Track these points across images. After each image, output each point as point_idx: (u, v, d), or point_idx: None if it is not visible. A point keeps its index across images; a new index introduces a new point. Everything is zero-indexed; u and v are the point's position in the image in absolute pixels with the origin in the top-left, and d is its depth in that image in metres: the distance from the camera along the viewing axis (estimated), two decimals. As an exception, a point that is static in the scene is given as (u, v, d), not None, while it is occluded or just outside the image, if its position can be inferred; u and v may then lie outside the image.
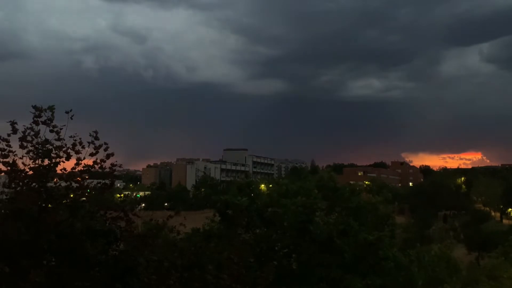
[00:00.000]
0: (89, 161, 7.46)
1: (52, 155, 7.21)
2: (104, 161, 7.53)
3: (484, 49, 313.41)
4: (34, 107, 7.12)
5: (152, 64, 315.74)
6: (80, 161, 7.39)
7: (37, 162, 7.14)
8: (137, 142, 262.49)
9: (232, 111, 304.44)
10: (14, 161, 7.13)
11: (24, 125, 7.13)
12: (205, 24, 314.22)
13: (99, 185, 7.67)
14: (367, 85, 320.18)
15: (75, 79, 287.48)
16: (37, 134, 7.12)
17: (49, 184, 7.17)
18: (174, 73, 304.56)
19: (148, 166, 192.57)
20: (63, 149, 7.27)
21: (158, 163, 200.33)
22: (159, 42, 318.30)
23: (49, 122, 7.15)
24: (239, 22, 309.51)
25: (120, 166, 7.86)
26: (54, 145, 7.23)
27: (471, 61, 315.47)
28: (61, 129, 7.25)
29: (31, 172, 7.12)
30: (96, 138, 7.44)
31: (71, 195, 7.29)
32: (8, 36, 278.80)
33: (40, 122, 7.14)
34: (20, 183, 7.01)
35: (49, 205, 7.08)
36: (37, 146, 7.14)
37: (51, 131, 7.19)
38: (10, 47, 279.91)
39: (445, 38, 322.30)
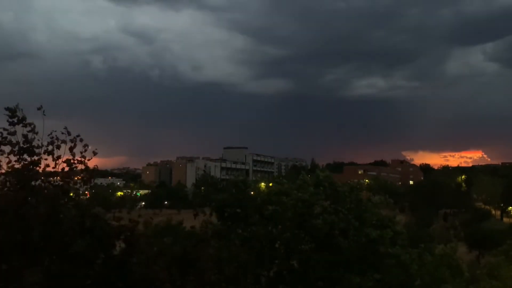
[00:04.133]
0: (69, 158, 7.45)
1: (34, 152, 7.22)
2: (85, 158, 7.51)
3: (487, 48, 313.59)
4: (7, 109, 7.13)
5: (158, 63, 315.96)
6: (59, 159, 7.36)
7: (19, 161, 7.14)
8: (138, 140, 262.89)
9: (233, 110, 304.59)
10: None
11: (2, 127, 7.13)
12: (210, 24, 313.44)
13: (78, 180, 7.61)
14: (370, 84, 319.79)
15: (82, 78, 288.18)
16: (13, 133, 7.12)
17: (33, 183, 7.16)
18: (180, 73, 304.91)
19: (148, 164, 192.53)
20: (42, 147, 7.27)
21: (158, 162, 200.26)
22: (166, 42, 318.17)
23: (22, 121, 7.15)
24: (244, 22, 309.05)
25: (96, 167, 7.79)
26: (33, 144, 7.23)
27: (474, 60, 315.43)
28: (32, 125, 7.22)
29: (12, 171, 7.11)
30: (69, 134, 7.41)
31: (56, 192, 7.27)
32: (17, 36, 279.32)
33: (15, 123, 7.13)
34: (3, 183, 7.01)
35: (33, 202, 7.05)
36: (17, 145, 7.14)
37: (29, 131, 7.19)
38: (19, 46, 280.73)
39: (449, 37, 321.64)
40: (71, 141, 7.41)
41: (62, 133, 7.35)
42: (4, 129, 7.11)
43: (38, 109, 7.21)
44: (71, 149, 7.41)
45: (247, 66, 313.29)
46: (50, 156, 7.28)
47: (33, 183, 7.12)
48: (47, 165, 7.29)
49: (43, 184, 7.23)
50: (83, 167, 7.51)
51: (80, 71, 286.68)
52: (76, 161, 7.43)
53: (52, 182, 7.29)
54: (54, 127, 7.41)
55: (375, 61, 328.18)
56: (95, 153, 7.67)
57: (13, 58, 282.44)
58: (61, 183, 7.27)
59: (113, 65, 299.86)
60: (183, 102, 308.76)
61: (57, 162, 7.30)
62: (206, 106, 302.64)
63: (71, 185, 7.39)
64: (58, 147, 7.31)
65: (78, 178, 7.55)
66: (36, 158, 7.20)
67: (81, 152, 7.50)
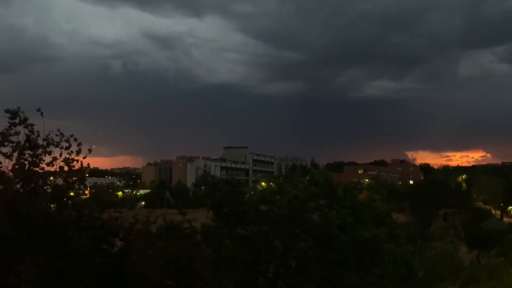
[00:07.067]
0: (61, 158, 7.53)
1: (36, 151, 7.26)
2: (74, 160, 7.57)
3: (497, 50, 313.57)
4: (7, 111, 7.20)
5: (169, 66, 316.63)
6: (56, 159, 7.44)
7: (19, 160, 7.18)
8: (138, 140, 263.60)
9: (233, 110, 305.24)
10: None
11: (5, 126, 7.20)
12: (216, 25, 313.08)
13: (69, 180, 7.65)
14: (377, 86, 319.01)
15: (92, 80, 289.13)
16: (17, 133, 7.19)
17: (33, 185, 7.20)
18: (188, 75, 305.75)
19: (148, 164, 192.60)
20: (43, 147, 7.34)
21: (158, 161, 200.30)
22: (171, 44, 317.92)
23: (24, 121, 7.21)
24: (255, 26, 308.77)
25: (88, 166, 7.84)
26: (33, 143, 7.29)
27: (482, 62, 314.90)
28: (33, 125, 7.26)
29: (12, 171, 7.13)
30: (62, 135, 7.52)
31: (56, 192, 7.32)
32: (38, 40, 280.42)
33: (16, 124, 7.19)
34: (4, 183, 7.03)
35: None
36: (18, 144, 7.18)
37: (30, 131, 7.26)
38: (40, 50, 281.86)
39: (457, 40, 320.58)
40: (66, 141, 7.50)
41: (56, 135, 7.49)
42: (8, 128, 7.16)
43: (38, 110, 7.35)
44: (67, 148, 7.51)
45: (254, 69, 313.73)
46: (48, 155, 7.35)
47: (33, 184, 7.16)
48: (48, 163, 7.36)
49: (42, 183, 7.27)
50: (79, 165, 7.60)
51: (93, 73, 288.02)
52: (71, 161, 7.52)
53: (51, 181, 7.37)
54: (58, 127, 7.56)
55: (382, 63, 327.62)
56: (90, 151, 7.79)
57: (34, 61, 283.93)
58: (62, 182, 7.34)
59: (131, 69, 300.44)
60: (185, 103, 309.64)
61: (54, 162, 7.38)
62: (208, 107, 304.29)
63: (70, 184, 7.46)
64: (57, 146, 7.39)
65: (74, 179, 7.60)
66: (38, 158, 7.27)
67: (76, 152, 7.59)
